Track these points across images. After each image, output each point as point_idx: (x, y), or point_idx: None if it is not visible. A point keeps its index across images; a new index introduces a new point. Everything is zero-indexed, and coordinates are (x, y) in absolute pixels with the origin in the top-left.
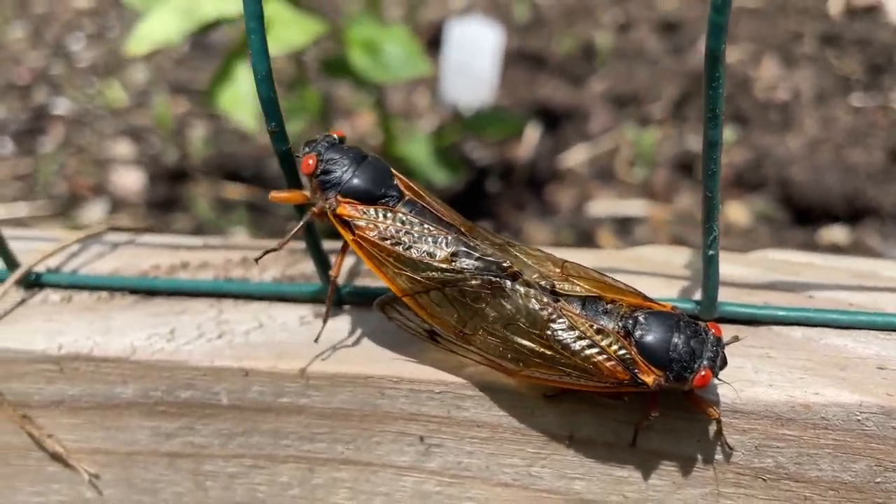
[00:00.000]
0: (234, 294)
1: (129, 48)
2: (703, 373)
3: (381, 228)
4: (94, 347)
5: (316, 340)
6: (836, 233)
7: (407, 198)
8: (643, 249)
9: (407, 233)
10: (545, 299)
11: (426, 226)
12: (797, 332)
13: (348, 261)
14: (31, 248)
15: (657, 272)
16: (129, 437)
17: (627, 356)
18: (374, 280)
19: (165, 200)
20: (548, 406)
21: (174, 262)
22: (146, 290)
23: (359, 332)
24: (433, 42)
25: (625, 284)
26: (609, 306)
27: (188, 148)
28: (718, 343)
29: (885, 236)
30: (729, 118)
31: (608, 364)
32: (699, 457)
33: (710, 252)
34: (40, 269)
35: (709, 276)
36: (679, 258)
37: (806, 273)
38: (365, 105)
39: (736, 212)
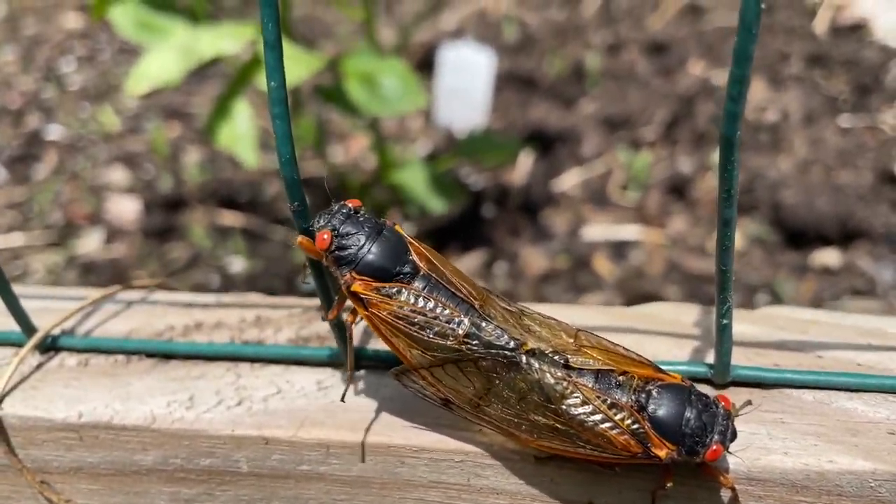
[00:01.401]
0: (251, 358)
1: (128, 88)
2: (714, 447)
3: (395, 308)
4: (113, 416)
5: (342, 399)
6: (829, 255)
7: (422, 272)
8: (652, 307)
9: (420, 313)
10: (559, 374)
11: (439, 306)
12: (808, 395)
13: (363, 324)
14: (43, 308)
15: (667, 331)
16: (148, 501)
17: (640, 430)
18: None
19: (161, 228)
20: (567, 475)
21: (188, 323)
22: (163, 354)
23: (377, 397)
24: (424, 64)
25: (637, 354)
26: (621, 379)
27: (183, 174)
28: (728, 416)
29: (877, 258)
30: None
31: (621, 438)
32: None
33: (724, 321)
34: (55, 331)
35: (722, 342)
36: (688, 316)
37: (813, 331)
38: (359, 129)
39: None
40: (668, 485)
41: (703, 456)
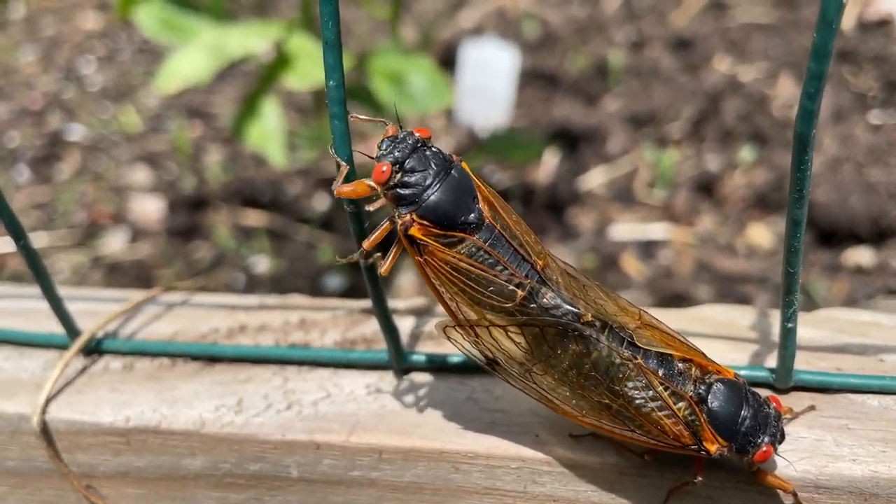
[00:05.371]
0: (298, 361)
1: (157, 87)
2: (764, 448)
3: (452, 258)
4: (161, 420)
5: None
6: (861, 254)
7: (486, 223)
8: (705, 309)
9: (479, 269)
10: (626, 354)
11: (500, 263)
12: (873, 400)
13: (408, 323)
14: (85, 310)
15: (722, 334)
16: None
17: (696, 422)
18: (438, 345)
19: (185, 228)
20: (628, 481)
21: (232, 325)
22: (208, 357)
23: (429, 401)
24: (444, 62)
25: (691, 343)
26: (681, 366)
27: (205, 174)
28: (779, 418)
29: None
30: (748, 137)
31: (676, 428)
32: None
33: (790, 325)
34: (99, 334)
35: (786, 346)
36: (742, 318)
37: (873, 334)
38: (380, 129)
39: (759, 234)
40: (699, 479)
41: (752, 456)
